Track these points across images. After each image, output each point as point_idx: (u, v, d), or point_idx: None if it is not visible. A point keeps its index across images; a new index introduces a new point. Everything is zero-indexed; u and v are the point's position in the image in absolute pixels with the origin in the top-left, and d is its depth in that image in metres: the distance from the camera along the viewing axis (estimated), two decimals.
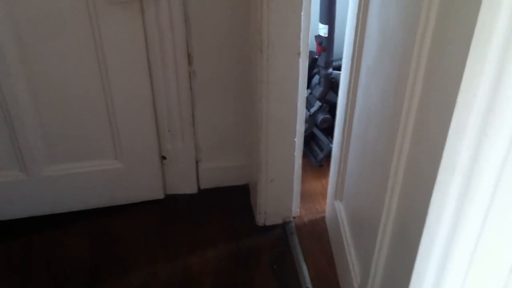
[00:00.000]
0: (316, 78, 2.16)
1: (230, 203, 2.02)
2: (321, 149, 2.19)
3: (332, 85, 2.11)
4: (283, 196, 1.86)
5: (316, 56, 2.09)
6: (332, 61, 2.08)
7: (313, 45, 1.98)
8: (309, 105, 2.14)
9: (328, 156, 2.04)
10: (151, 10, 1.61)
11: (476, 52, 0.69)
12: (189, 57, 1.75)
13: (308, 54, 1.60)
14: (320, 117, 2.14)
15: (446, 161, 0.80)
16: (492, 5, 0.66)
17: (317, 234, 1.89)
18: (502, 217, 0.85)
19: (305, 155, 1.88)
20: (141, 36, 1.65)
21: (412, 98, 0.96)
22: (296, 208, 1.94)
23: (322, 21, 1.98)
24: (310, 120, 2.16)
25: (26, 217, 1.92)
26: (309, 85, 2.14)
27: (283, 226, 1.91)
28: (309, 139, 2.22)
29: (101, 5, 1.55)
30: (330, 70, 2.10)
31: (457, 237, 0.88)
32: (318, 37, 2.02)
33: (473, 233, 0.87)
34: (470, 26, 0.68)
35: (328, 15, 1.96)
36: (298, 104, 1.64)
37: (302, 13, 1.47)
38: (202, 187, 2.07)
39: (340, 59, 1.63)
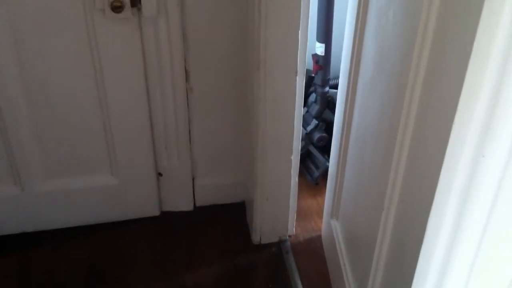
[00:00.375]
0: (312, 97, 2.17)
1: (226, 220, 2.01)
2: (317, 167, 2.19)
3: (329, 103, 2.12)
4: (279, 214, 1.86)
5: (313, 75, 2.10)
6: (328, 79, 2.09)
7: (310, 64, 1.99)
8: (305, 123, 2.15)
9: (324, 174, 2.04)
10: (149, 27, 1.62)
11: (473, 73, 0.70)
12: (187, 73, 1.75)
13: (305, 72, 1.61)
14: (317, 135, 2.14)
15: (444, 180, 0.80)
16: (489, 28, 0.67)
17: (313, 253, 1.88)
18: (499, 235, 0.85)
19: (301, 173, 1.87)
20: (139, 52, 1.65)
21: (408, 118, 0.96)
22: (292, 227, 1.93)
23: (319, 40, 2.00)
24: (307, 138, 2.16)
25: (21, 232, 1.91)
26: (305, 103, 2.15)
27: (279, 244, 1.90)
28: (305, 157, 2.22)
29: (99, 20, 1.56)
30: (327, 88, 2.10)
31: (455, 255, 0.88)
32: (315, 55, 2.04)
33: (471, 251, 0.87)
34: (467, 47, 0.69)
35: (325, 34, 1.97)
36: (295, 122, 1.65)
37: (300, 32, 1.48)
38: (198, 204, 2.07)
39: (337, 77, 1.64)
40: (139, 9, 1.57)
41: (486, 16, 0.65)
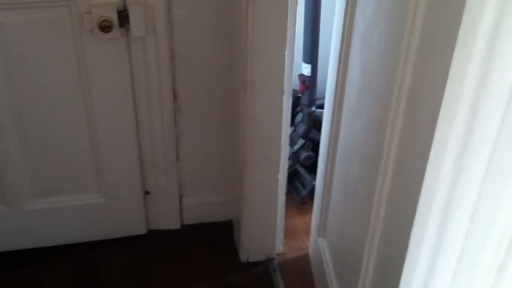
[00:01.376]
0: (299, 116, 2.19)
1: (214, 239, 2.01)
2: (304, 186, 2.20)
3: (315, 123, 2.14)
4: (266, 232, 1.86)
5: (300, 95, 2.13)
6: (315, 99, 2.11)
7: (296, 84, 2.01)
8: (292, 142, 2.16)
9: (311, 193, 2.05)
10: (137, 47, 1.64)
11: (451, 94, 0.73)
12: (174, 92, 1.77)
13: (291, 92, 1.63)
14: (303, 154, 2.16)
15: (425, 195, 0.82)
16: (465, 50, 0.69)
17: (300, 272, 1.88)
18: (478, 251, 0.87)
19: (288, 192, 1.88)
20: (127, 71, 1.66)
21: (392, 137, 0.98)
22: (279, 245, 1.93)
23: (305, 61, 2.02)
24: (293, 157, 2.17)
25: (7, 251, 1.89)
26: (292, 123, 2.17)
27: (266, 263, 1.91)
28: (292, 176, 2.23)
29: (88, 40, 1.57)
30: (313, 108, 2.13)
31: (436, 274, 0.90)
32: (301, 76, 2.06)
33: (451, 269, 0.89)
34: (445, 69, 0.72)
35: (311, 55, 2.00)
36: (282, 141, 1.66)
37: (286, 53, 1.50)
38: (185, 222, 2.06)
39: (323, 97, 1.67)
40: (128, 29, 1.58)
41: (462, 39, 0.68)
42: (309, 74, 2.03)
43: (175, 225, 2.05)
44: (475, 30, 0.67)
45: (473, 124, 0.74)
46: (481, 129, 0.74)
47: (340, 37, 1.39)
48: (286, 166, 1.77)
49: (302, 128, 2.16)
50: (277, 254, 1.94)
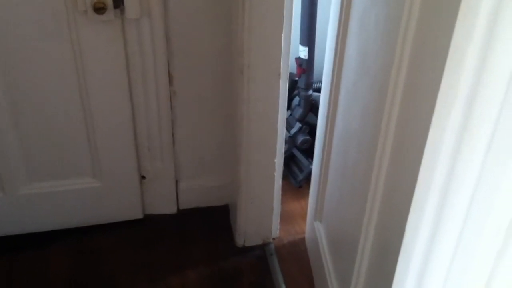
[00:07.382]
0: (296, 100, 2.18)
1: (210, 223, 2.01)
2: (301, 170, 2.20)
3: (312, 107, 2.13)
4: (262, 217, 1.86)
5: (297, 78, 2.12)
6: (312, 83, 2.10)
7: (293, 67, 2.00)
8: (289, 126, 2.15)
9: (307, 177, 2.05)
10: (132, 29, 1.62)
11: (449, 77, 0.72)
12: (170, 76, 1.75)
13: (288, 75, 1.62)
14: (300, 138, 2.15)
15: (422, 180, 0.82)
16: (463, 35, 0.68)
17: (297, 255, 1.88)
18: (476, 236, 0.86)
19: (285, 176, 1.88)
20: (122, 55, 1.65)
21: (389, 121, 0.98)
22: (275, 229, 1.93)
23: (302, 43, 2.01)
24: (290, 141, 2.17)
25: (3, 235, 1.89)
26: (289, 107, 2.16)
27: (263, 247, 1.91)
28: (289, 160, 2.23)
29: (82, 23, 1.56)
30: (310, 92, 2.12)
31: (433, 255, 0.89)
32: (298, 59, 2.05)
33: (448, 253, 0.89)
34: (444, 52, 0.71)
35: (308, 38, 1.99)
36: (278, 125, 1.65)
37: (283, 35, 1.48)
38: (181, 207, 2.06)
39: (320, 81, 1.65)
40: (122, 11, 1.56)
41: (461, 19, 0.67)
42: (306, 57, 2.02)
43: (171, 209, 2.04)
44: (476, 8, 0.66)
45: (473, 106, 0.73)
46: (481, 110, 0.73)
47: (337, 19, 1.37)
48: (283, 150, 1.77)
49: (299, 112, 2.15)
50: (274, 238, 1.94)
